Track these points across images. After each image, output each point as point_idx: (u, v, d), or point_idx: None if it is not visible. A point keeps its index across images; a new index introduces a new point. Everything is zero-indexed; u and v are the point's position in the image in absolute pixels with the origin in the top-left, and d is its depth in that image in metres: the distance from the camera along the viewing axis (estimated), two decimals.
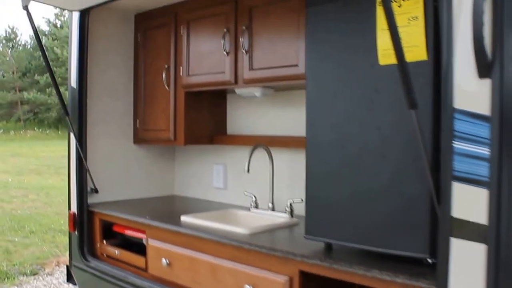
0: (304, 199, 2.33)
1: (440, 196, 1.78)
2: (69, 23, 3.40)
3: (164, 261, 2.82)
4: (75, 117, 3.32)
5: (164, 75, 3.38)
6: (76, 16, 3.30)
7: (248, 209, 3.22)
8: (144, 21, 3.60)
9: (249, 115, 3.48)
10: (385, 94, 2.03)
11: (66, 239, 5.73)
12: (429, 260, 1.94)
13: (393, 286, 1.92)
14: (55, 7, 3.23)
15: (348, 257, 2.14)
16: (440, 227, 1.79)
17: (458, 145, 1.72)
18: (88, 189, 3.42)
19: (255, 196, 3.21)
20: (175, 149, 4.02)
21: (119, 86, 3.65)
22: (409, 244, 1.97)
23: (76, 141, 3.29)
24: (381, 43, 2.02)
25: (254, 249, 2.39)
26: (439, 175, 1.82)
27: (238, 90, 3.10)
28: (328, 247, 2.29)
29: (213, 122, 3.52)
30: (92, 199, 3.46)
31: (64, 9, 3.29)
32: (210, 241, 2.61)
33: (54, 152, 19.64)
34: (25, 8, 2.91)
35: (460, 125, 1.72)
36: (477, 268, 1.67)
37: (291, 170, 3.20)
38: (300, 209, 3.03)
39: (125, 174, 3.69)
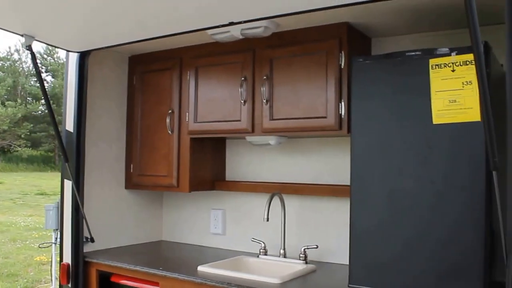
0: (348, 249, 2.37)
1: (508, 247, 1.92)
2: (66, 63, 3.27)
3: None
4: (72, 163, 3.17)
5: (168, 120, 3.34)
6: (74, 57, 3.19)
7: (257, 255, 3.23)
8: (141, 64, 3.55)
9: (250, 161, 3.51)
10: (437, 150, 2.17)
11: None
12: None
13: None
14: (57, 47, 3.09)
15: None
16: (508, 275, 1.91)
17: None
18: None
19: (264, 243, 3.22)
20: (163, 194, 3.95)
21: (112, 130, 3.55)
22: None
23: (74, 188, 3.14)
24: (436, 104, 2.17)
25: None
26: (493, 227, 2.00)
27: (250, 138, 3.13)
28: None
29: (214, 168, 3.51)
30: (86, 249, 3.30)
31: (66, 50, 3.15)
32: None
33: None
34: (29, 48, 2.78)
35: None
36: None
37: (299, 216, 3.26)
38: (312, 255, 3.12)
39: (116, 220, 3.56)
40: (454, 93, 2.13)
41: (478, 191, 2.07)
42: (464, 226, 2.10)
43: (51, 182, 20.45)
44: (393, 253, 2.25)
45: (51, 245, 5.46)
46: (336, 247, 3.12)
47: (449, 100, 2.14)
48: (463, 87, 2.12)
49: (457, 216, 2.11)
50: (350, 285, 2.36)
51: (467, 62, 2.11)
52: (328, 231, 3.16)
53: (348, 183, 2.93)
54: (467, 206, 2.09)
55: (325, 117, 2.74)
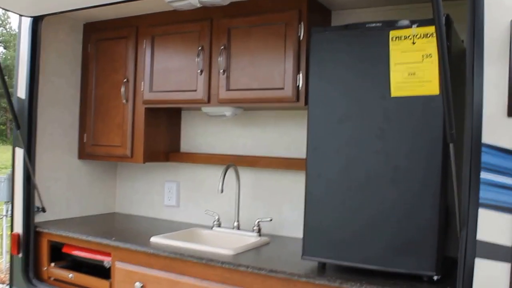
0: (304, 220, 2.37)
1: (462, 221, 1.96)
2: (18, 29, 3.15)
3: (138, 284, 2.72)
4: (24, 130, 3.07)
5: (122, 89, 3.26)
6: (27, 22, 3.07)
7: (211, 228, 3.21)
8: (96, 32, 3.44)
9: (205, 133, 3.47)
10: (395, 123, 2.17)
11: None
12: (435, 277, 2.11)
13: None
14: (9, 11, 2.96)
15: (349, 276, 2.22)
16: (461, 249, 1.95)
17: (484, 175, 1.90)
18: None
19: (218, 215, 3.21)
20: (117, 165, 3.88)
21: (66, 98, 3.44)
22: (416, 263, 2.12)
23: (26, 156, 3.05)
24: (395, 77, 2.16)
25: (251, 271, 2.40)
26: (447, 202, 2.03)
27: (206, 109, 3.08)
28: (323, 267, 2.39)
29: (168, 139, 3.46)
30: (37, 219, 3.22)
31: (18, 14, 3.02)
32: (195, 263, 2.57)
33: None
34: None
35: (487, 158, 1.90)
36: (501, 285, 1.87)
37: (254, 189, 3.25)
38: (266, 228, 3.12)
39: (69, 191, 3.49)
40: (413, 66, 2.12)
41: (435, 165, 2.09)
42: (420, 201, 2.11)
43: (2, 156, 19.83)
44: (348, 226, 2.25)
45: (2, 218, 5.33)
46: (290, 221, 3.13)
47: (408, 73, 2.13)
48: (422, 60, 2.11)
49: (414, 191, 2.13)
50: (303, 257, 2.36)
51: (428, 35, 2.10)
52: (282, 204, 3.17)
53: (304, 157, 2.97)
54: (424, 181, 2.11)
55: (282, 89, 2.72)
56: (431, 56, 2.10)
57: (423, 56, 2.11)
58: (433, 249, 2.09)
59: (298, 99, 2.69)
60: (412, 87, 2.13)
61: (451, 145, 1.90)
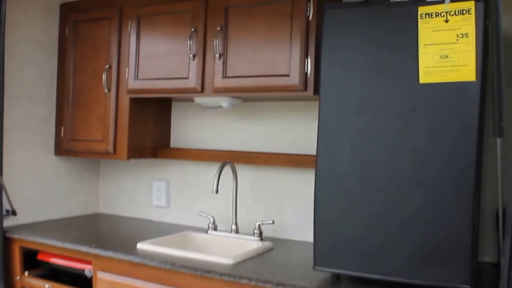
0: (314, 225, 2.06)
1: (507, 227, 1.66)
2: None
3: None
4: None
5: (104, 77, 2.91)
6: None
7: (206, 231, 2.88)
8: (74, 12, 3.08)
9: (199, 126, 3.14)
10: (422, 115, 1.87)
11: None
12: None
13: None
14: None
15: None
16: (505, 259, 1.66)
17: None
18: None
19: (213, 217, 2.88)
20: (100, 162, 3.53)
21: (40, 88, 3.08)
22: (446, 274, 1.83)
23: None
24: (424, 60, 1.86)
25: (255, 284, 2.08)
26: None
27: (199, 99, 2.75)
28: (337, 278, 2.09)
29: (156, 134, 3.12)
30: (6, 223, 2.87)
31: None
32: (188, 275, 2.24)
33: None
34: None
35: None
36: None
37: (253, 188, 2.94)
38: (267, 231, 2.82)
39: (44, 191, 3.14)
40: (446, 48, 1.82)
41: (468, 163, 1.80)
42: (451, 204, 1.83)
43: None
44: (366, 233, 1.96)
45: None
46: (293, 223, 2.82)
47: (440, 56, 1.83)
48: (457, 40, 1.81)
49: (444, 192, 1.83)
50: (315, 267, 2.06)
51: (464, 12, 1.79)
52: (284, 205, 2.86)
53: (310, 153, 2.68)
54: (456, 180, 1.81)
55: (287, 76, 2.40)
56: (467, 36, 1.80)
57: (457, 36, 1.81)
58: (466, 258, 1.81)
59: (306, 87, 2.38)
60: (444, 72, 1.83)
61: (499, 141, 1.60)
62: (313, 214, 2.06)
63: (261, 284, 2.06)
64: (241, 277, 2.11)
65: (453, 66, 1.82)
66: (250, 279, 2.09)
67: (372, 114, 1.95)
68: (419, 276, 1.87)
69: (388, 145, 1.92)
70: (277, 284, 2.03)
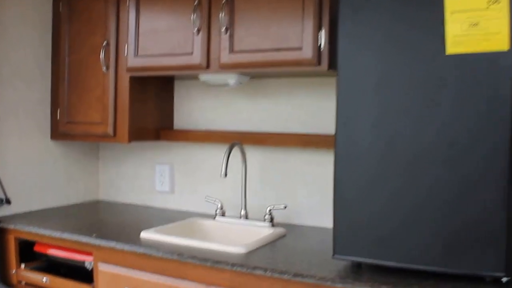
0: (332, 212, 1.89)
1: None
2: None
3: None
4: None
5: (102, 55, 2.72)
6: None
7: (213, 217, 2.72)
8: None
9: (203, 106, 2.96)
10: (450, 88, 1.70)
11: None
12: (504, 279, 1.68)
13: None
14: None
15: (393, 279, 1.77)
16: None
17: None
18: None
19: (221, 202, 2.71)
20: (99, 146, 3.35)
21: (33, 68, 2.89)
22: (478, 261, 1.68)
23: None
24: (451, 29, 1.69)
25: (271, 275, 1.92)
26: None
27: (205, 77, 2.57)
28: (358, 267, 1.93)
29: (159, 115, 2.94)
30: (0, 212, 2.70)
31: None
32: (197, 266, 2.08)
33: None
34: None
35: None
36: None
37: (263, 171, 2.76)
38: (279, 216, 2.66)
39: (41, 178, 2.96)
40: (476, 15, 1.65)
41: (502, 139, 1.63)
42: (482, 184, 1.66)
43: None
44: (390, 218, 1.80)
45: None
46: (305, 207, 2.66)
47: (470, 24, 1.66)
48: (488, 6, 1.64)
49: (475, 172, 1.67)
50: (335, 256, 1.90)
51: None
52: (297, 188, 2.69)
53: (322, 132, 2.52)
54: (488, 159, 1.65)
55: (299, 49, 2.22)
56: (499, 2, 1.62)
57: (488, 2, 1.64)
58: (501, 243, 1.65)
59: (320, 61, 2.20)
60: (474, 42, 1.66)
61: None
62: (331, 196, 1.92)
63: (277, 275, 1.90)
64: (254, 268, 1.94)
65: (483, 34, 1.65)
66: (265, 270, 1.92)
67: (394, 89, 1.79)
68: (448, 264, 1.72)
69: (412, 121, 1.76)
70: (295, 275, 1.87)
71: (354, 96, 1.85)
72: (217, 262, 2.02)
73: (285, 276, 1.89)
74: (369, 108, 1.82)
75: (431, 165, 1.73)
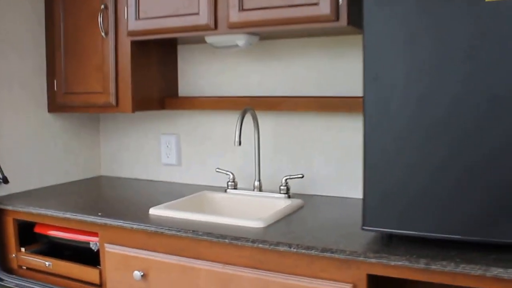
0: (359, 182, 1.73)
1: None
2: None
3: (137, 274, 2.07)
4: None
5: (100, 19, 2.52)
6: None
7: (225, 190, 2.55)
8: None
9: (210, 70, 2.77)
10: (492, 39, 1.52)
11: None
12: None
13: None
14: None
15: (430, 251, 1.62)
16: None
17: None
18: None
19: (232, 174, 2.55)
20: (99, 117, 3.17)
21: (26, 36, 2.68)
22: None
23: None
24: None
25: (296, 251, 1.76)
26: None
27: (212, 38, 2.37)
28: (389, 239, 1.77)
29: (162, 82, 2.75)
30: None
31: None
32: (213, 243, 1.92)
33: None
34: None
35: None
36: None
37: (276, 138, 2.59)
38: (294, 186, 2.51)
39: (39, 154, 2.78)
40: None
41: None
42: None
43: None
44: (425, 185, 1.64)
45: None
46: (323, 176, 2.49)
47: None
48: None
49: None
50: (364, 227, 1.74)
51: None
52: (313, 157, 2.52)
53: (341, 94, 2.36)
54: None
55: (316, 4, 2.02)
56: None
57: None
58: None
59: (338, 17, 2.00)
60: None
61: None
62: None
63: (303, 250, 1.74)
64: (278, 244, 1.78)
65: None
66: (290, 245, 1.76)
67: (428, 42, 1.60)
68: (490, 233, 1.57)
69: (450, 77, 1.58)
70: (323, 250, 1.71)
71: (383, 49, 1.67)
72: (236, 238, 1.85)
73: (313, 252, 1.73)
74: (401, 63, 1.65)
75: (472, 126, 1.56)
